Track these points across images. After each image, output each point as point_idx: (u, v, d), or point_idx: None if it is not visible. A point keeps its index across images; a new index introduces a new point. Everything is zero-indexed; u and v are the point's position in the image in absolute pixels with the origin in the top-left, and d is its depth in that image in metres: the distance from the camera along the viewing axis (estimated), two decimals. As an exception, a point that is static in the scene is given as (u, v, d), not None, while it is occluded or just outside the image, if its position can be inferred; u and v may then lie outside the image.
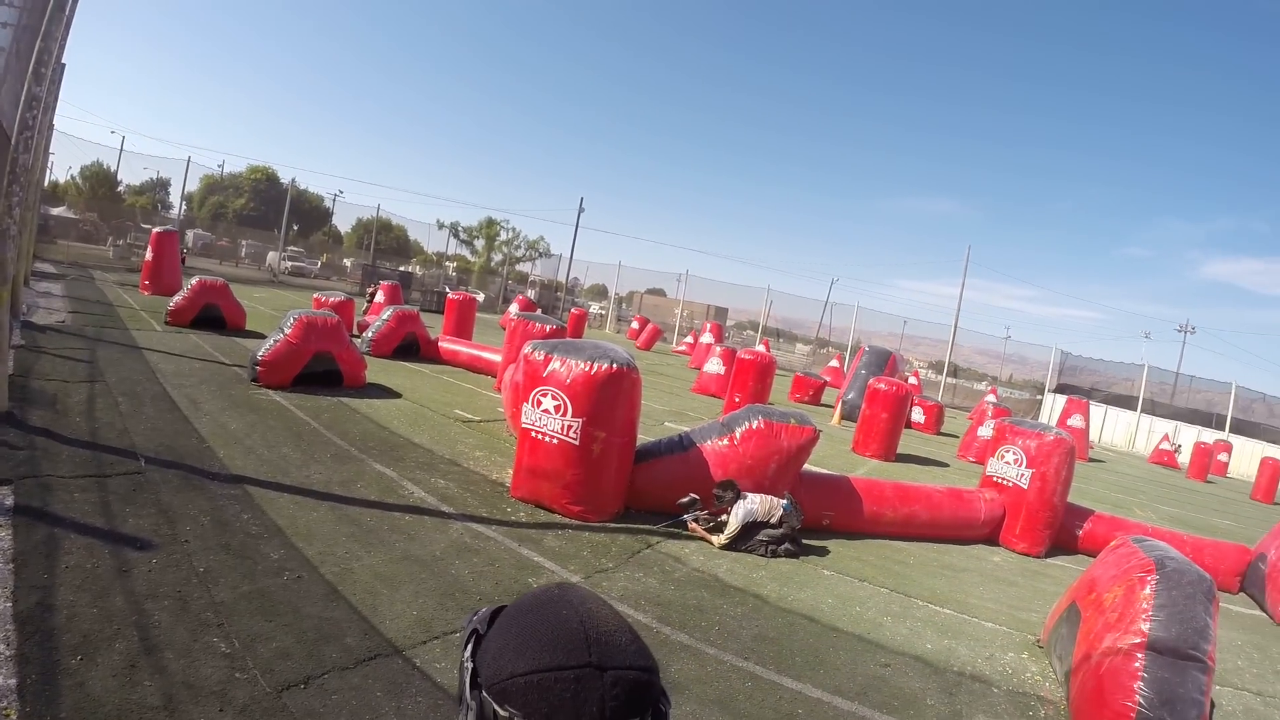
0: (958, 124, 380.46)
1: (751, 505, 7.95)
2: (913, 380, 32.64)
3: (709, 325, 37.84)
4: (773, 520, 8.00)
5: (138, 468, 6.84)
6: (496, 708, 0.88)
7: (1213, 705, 5.68)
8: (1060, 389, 41.47)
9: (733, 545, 7.87)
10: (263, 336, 12.04)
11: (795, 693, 5.17)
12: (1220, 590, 6.37)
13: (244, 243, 50.74)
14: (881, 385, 17.13)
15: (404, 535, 6.52)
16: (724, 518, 8.00)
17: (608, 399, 7.73)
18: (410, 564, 5.92)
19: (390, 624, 4.87)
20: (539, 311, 27.38)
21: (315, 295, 18.54)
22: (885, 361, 23.90)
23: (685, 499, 8.14)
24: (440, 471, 8.70)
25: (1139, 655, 4.95)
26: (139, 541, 5.34)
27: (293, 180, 51.36)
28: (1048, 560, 10.35)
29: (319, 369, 11.85)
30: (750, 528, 7.94)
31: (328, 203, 63.24)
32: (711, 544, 7.90)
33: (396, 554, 6.06)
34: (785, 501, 8.15)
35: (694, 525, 8.08)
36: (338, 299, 18.08)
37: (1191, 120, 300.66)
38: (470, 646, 0.96)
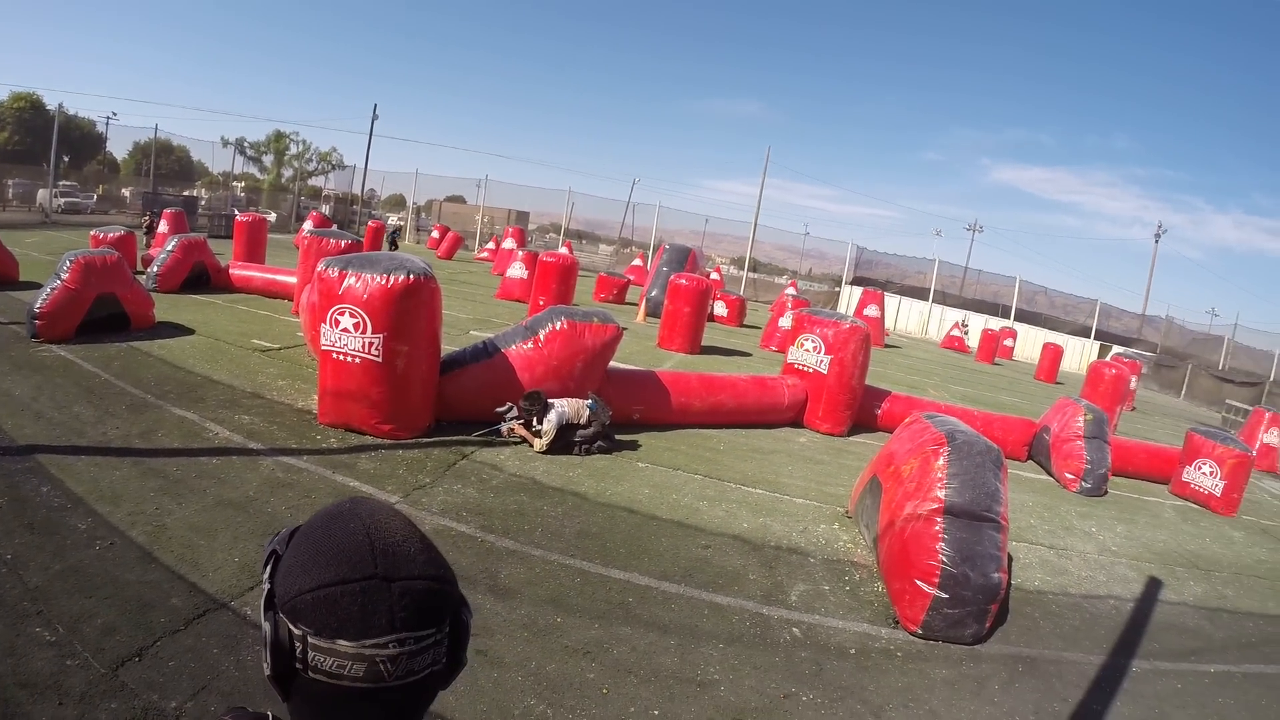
0: (763, 24, 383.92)
1: (562, 409, 8.00)
2: (714, 275, 33.34)
3: (510, 230, 37.10)
4: (582, 421, 8.12)
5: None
6: (290, 626, 0.88)
7: (1010, 559, 6.27)
8: (857, 281, 43.65)
9: (550, 450, 7.94)
10: (39, 286, 10.93)
11: (623, 582, 5.35)
12: (1009, 459, 6.98)
13: (10, 183, 44.50)
14: (683, 281, 17.38)
15: (214, 480, 6.14)
16: (537, 426, 8.05)
17: (407, 311, 7.46)
18: (224, 509, 5.62)
19: (213, 576, 4.65)
20: (334, 227, 26.13)
21: (93, 232, 16.81)
22: (685, 258, 24.17)
23: (503, 407, 8.12)
24: (244, 407, 8.16)
25: (938, 519, 5.37)
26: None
27: (60, 105, 45.60)
28: (850, 438, 11.09)
29: (103, 314, 10.80)
30: (564, 430, 8.01)
31: (100, 127, 56.83)
32: (533, 445, 7.94)
33: (209, 501, 5.72)
34: (590, 401, 8.26)
35: (516, 427, 8.05)
36: (117, 234, 16.41)
37: (986, 36, 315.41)
38: (269, 568, 0.95)
